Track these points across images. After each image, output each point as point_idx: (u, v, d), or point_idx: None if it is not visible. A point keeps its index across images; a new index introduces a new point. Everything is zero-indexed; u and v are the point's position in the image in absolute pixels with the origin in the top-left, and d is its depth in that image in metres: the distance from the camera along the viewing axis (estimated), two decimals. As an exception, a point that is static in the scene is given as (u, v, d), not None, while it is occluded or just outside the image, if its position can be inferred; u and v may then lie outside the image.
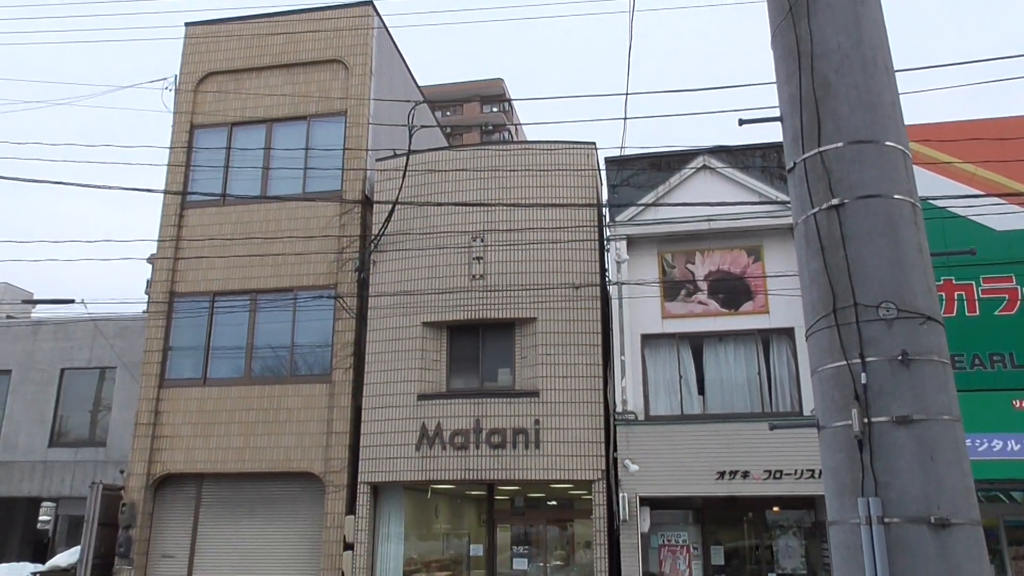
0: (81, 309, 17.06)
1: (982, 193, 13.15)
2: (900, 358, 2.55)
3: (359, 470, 14.58)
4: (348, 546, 14.17)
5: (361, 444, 14.71)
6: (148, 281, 17.08)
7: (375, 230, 15.58)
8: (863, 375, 2.59)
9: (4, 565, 16.25)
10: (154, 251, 17.11)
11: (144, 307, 17.72)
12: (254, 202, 16.46)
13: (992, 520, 13.49)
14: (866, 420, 2.56)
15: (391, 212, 15.14)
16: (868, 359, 2.60)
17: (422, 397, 14.57)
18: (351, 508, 14.48)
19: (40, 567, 15.81)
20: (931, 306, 2.66)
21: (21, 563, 16.69)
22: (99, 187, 10.14)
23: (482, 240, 15.01)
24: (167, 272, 16.61)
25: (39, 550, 20.33)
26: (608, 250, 14.73)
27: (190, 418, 15.63)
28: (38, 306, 21.07)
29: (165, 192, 16.66)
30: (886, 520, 2.49)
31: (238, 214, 16.60)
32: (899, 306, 2.60)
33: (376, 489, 14.69)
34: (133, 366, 17.22)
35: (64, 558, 15.79)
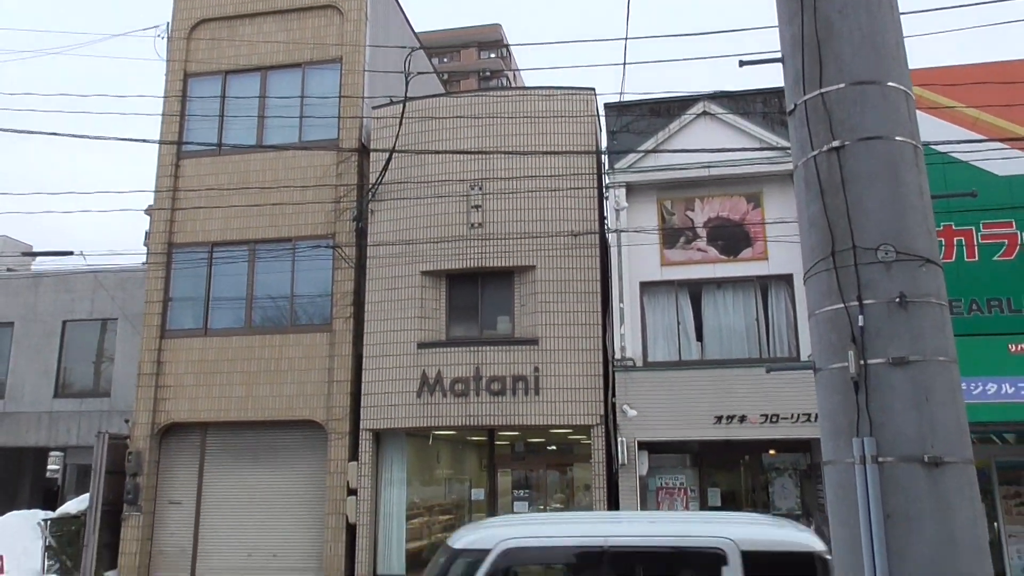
0: (80, 261, 17.06)
1: (984, 138, 13.05)
2: (898, 300, 2.57)
3: (361, 417, 14.76)
4: (352, 491, 14.43)
5: (362, 392, 14.86)
6: (146, 232, 17.01)
7: (372, 179, 15.49)
8: (860, 317, 2.60)
9: (16, 512, 16.54)
10: (151, 202, 17.04)
11: (143, 259, 17.71)
12: (250, 151, 16.34)
13: (985, 461, 13.73)
14: (862, 362, 2.58)
15: (388, 160, 15.03)
16: (866, 301, 2.61)
17: (422, 345, 14.67)
18: (354, 454, 14.70)
19: (51, 514, 16.10)
20: (930, 248, 2.66)
21: (32, 510, 16.99)
22: (94, 138, 10.06)
23: (480, 188, 14.93)
24: (165, 223, 16.56)
25: (49, 498, 20.69)
26: (607, 197, 14.67)
27: (192, 368, 15.75)
28: (38, 259, 21.03)
29: (160, 142, 16.52)
30: (880, 459, 2.53)
31: (234, 164, 16.49)
32: (898, 249, 2.61)
33: (378, 436, 14.88)
34: (134, 317, 17.30)
35: (74, 505, 16.07)
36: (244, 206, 15.97)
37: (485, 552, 5.29)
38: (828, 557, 4.88)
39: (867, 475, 2.55)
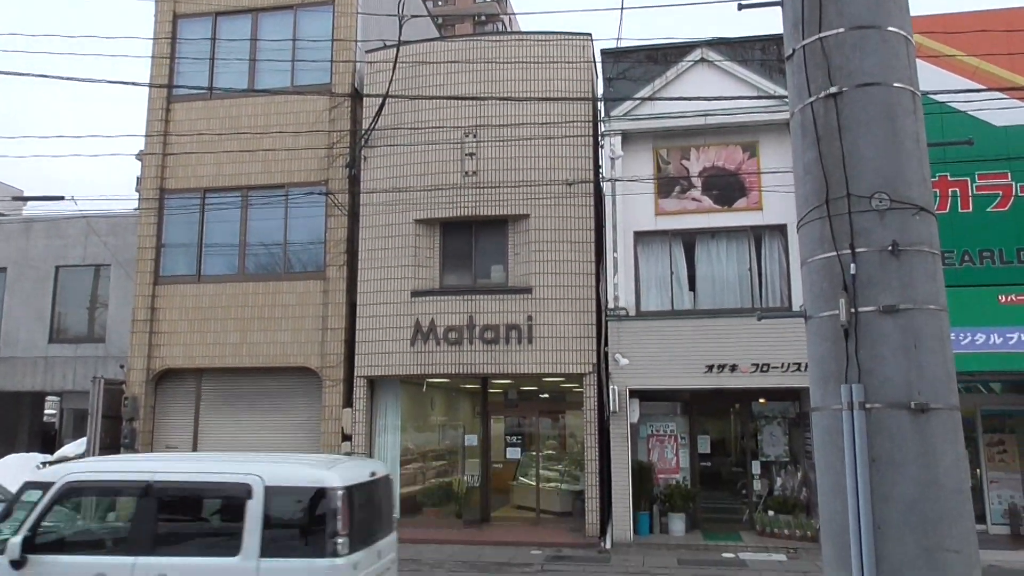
0: (72, 206, 16.91)
1: (984, 87, 12.93)
2: (890, 249, 2.57)
3: (355, 365, 14.85)
4: (346, 437, 14.60)
5: (356, 340, 14.92)
6: (138, 178, 16.84)
7: (365, 125, 15.31)
8: (852, 265, 2.61)
9: (14, 455, 16.69)
10: (143, 147, 16.84)
11: (135, 204, 17.56)
12: (242, 96, 16.09)
13: (970, 410, 13.95)
14: (853, 310, 2.59)
15: (381, 106, 14.83)
16: (858, 250, 2.61)
17: (416, 294, 14.69)
18: (348, 401, 14.83)
19: (49, 457, 16.26)
20: (925, 197, 2.65)
21: (31, 453, 17.15)
22: (82, 80, 9.89)
23: (475, 135, 14.79)
24: (156, 168, 16.40)
25: (47, 441, 20.89)
26: (602, 146, 14.55)
27: (186, 315, 15.77)
28: (29, 204, 20.86)
29: (150, 85, 16.25)
30: (867, 406, 2.56)
31: (226, 108, 16.27)
32: (892, 197, 2.60)
33: (372, 383, 15.00)
34: (127, 263, 17.24)
35: (71, 448, 16.23)
36: (236, 152, 15.80)
37: (50, 484, 6.40)
38: (336, 489, 6.03)
39: (854, 421, 2.58)
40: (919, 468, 2.49)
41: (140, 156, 16.91)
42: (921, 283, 2.58)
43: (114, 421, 15.67)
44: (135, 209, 17.28)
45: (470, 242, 15.07)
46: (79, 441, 16.20)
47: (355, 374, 14.83)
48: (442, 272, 15.08)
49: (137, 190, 16.91)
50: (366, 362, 14.78)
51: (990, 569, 11.16)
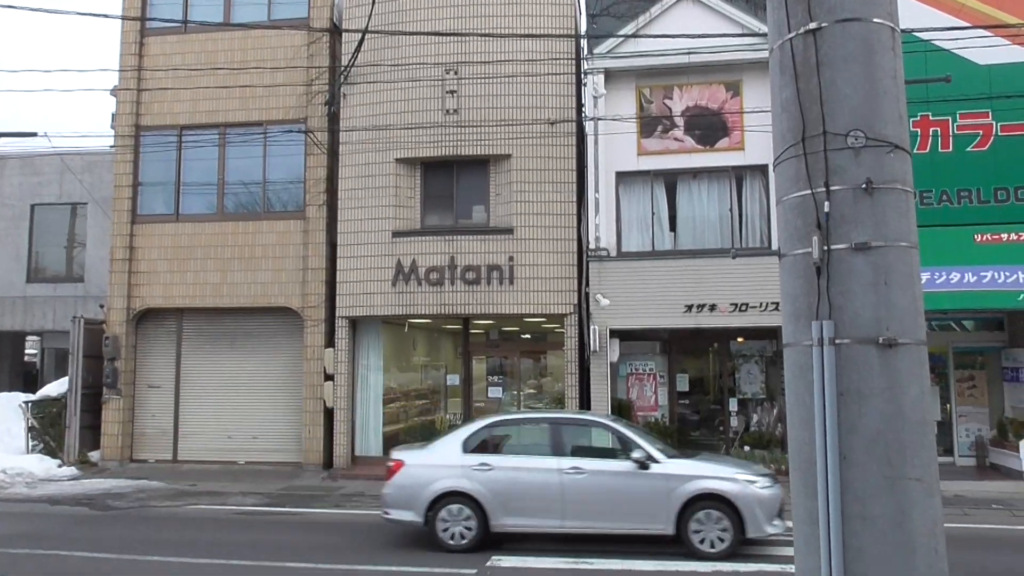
0: (45, 143, 16.58)
1: (968, 25, 12.83)
2: (864, 187, 2.59)
3: (336, 305, 14.87)
4: (328, 377, 14.69)
5: (337, 280, 14.91)
6: (113, 114, 16.46)
7: (345, 61, 15.02)
8: (827, 203, 2.63)
9: (-3, 395, 16.72)
10: (117, 83, 16.45)
11: (111, 141, 17.24)
12: (217, 30, 15.69)
13: (943, 347, 14.24)
14: (826, 247, 2.62)
15: (360, 41, 14.53)
16: (833, 188, 2.63)
17: (397, 234, 14.64)
18: (330, 341, 14.88)
19: (32, 396, 16.29)
20: (900, 134, 2.66)
21: (13, 393, 17.16)
22: (52, 12, 9.59)
23: (456, 73, 14.56)
24: (131, 104, 16.06)
25: (29, 381, 20.87)
26: (585, 84, 14.39)
27: (165, 254, 15.65)
28: (1, 141, 20.40)
29: (122, 18, 15.80)
30: (837, 341, 2.61)
31: (201, 43, 15.88)
32: (868, 134, 2.61)
33: (354, 323, 15.04)
34: (104, 201, 17.01)
35: (54, 388, 16.25)
36: (212, 88, 15.48)
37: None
38: None
39: (823, 356, 2.63)
40: (885, 401, 2.56)
41: (114, 92, 16.52)
42: (893, 220, 2.61)
43: (96, 361, 15.67)
44: (111, 146, 16.96)
45: (451, 182, 14.97)
46: (61, 381, 16.22)
47: (337, 315, 14.86)
48: (423, 212, 15.01)
49: (112, 127, 16.55)
50: (348, 303, 14.79)
51: (957, 498, 11.56)
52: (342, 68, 15.05)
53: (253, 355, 15.63)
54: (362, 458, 14.84)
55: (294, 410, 15.16)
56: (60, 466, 14.82)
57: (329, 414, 14.74)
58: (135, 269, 15.70)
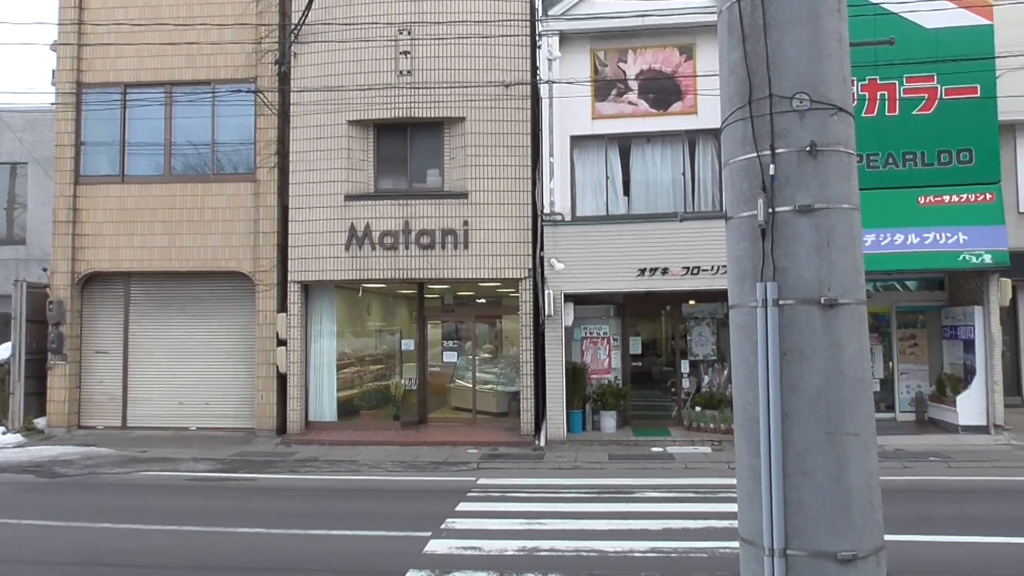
0: (-21, 101, 15.90)
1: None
2: (808, 149, 2.62)
3: (289, 269, 14.68)
4: (282, 342, 14.55)
5: (289, 244, 14.70)
6: (53, 71, 15.84)
7: (295, 19, 14.64)
8: (772, 166, 2.65)
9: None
10: (56, 37, 15.81)
11: (52, 99, 16.61)
12: (160, -15, 15.14)
13: (886, 307, 14.66)
14: (771, 210, 2.66)
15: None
16: (778, 150, 2.66)
17: (350, 197, 14.45)
18: (283, 306, 14.72)
19: (-27, 362, 15.85)
20: (843, 97, 2.70)
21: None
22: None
23: (409, 33, 14.32)
24: (72, 60, 15.47)
25: (-32, 347, 20.25)
26: (539, 47, 14.26)
27: (111, 216, 15.24)
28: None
29: (58, -29, 15.14)
30: (780, 302, 2.65)
31: (144, -3, 15.32)
32: (813, 97, 2.63)
33: (307, 288, 14.88)
34: (46, 161, 16.46)
35: (-3, 352, 15.82)
36: (158, 44, 15.00)
37: None
38: None
39: (767, 317, 2.68)
40: (825, 359, 2.62)
41: (54, 47, 15.88)
42: (836, 183, 2.65)
43: (40, 326, 15.29)
44: (52, 104, 16.35)
45: (405, 145, 14.79)
46: (4, 346, 15.78)
47: (289, 279, 14.68)
48: (377, 176, 14.83)
49: (53, 84, 15.93)
50: (300, 267, 14.61)
51: (897, 452, 12.00)
52: (292, 26, 14.68)
53: (204, 320, 15.39)
54: (316, 423, 14.79)
55: (247, 375, 15.01)
56: (4, 433, 14.50)
57: (282, 379, 14.62)
58: (80, 232, 15.27)
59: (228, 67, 15.10)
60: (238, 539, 7.85)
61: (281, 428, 14.62)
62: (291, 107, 14.83)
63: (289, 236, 14.71)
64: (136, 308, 15.59)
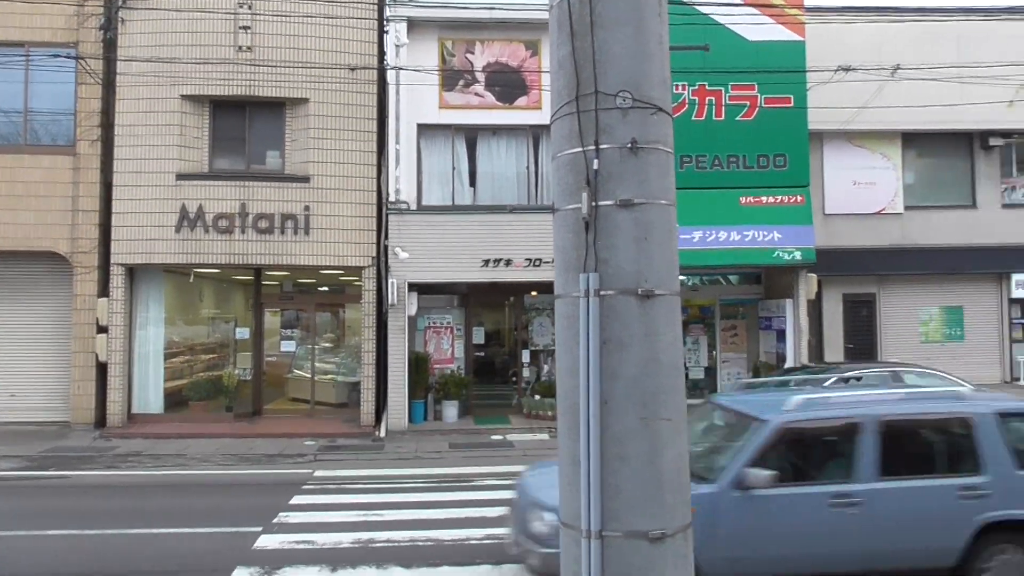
0: None
1: (741, 2, 13.88)
2: (630, 146, 2.72)
3: (112, 251, 13.70)
4: (102, 329, 13.57)
5: (113, 224, 13.72)
6: None
7: (122, -17, 13.64)
8: (596, 161, 2.74)
9: None
10: None
11: None
12: (-37, -67, 13.66)
13: (711, 299, 15.64)
14: (594, 203, 2.74)
15: (141, -36, 13.25)
16: (602, 146, 2.75)
17: (181, 177, 13.68)
18: (104, 291, 13.73)
19: None
20: (663, 97, 2.82)
21: None
22: None
23: (249, 8, 13.71)
24: None
25: None
26: (387, 32, 14.06)
27: (-101, 189, 13.61)
28: None
29: None
30: (602, 293, 2.74)
31: (-58, -54, 13.77)
32: (635, 95, 2.74)
33: (132, 272, 13.96)
34: None
35: None
36: (-42, 1, 13.52)
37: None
38: None
39: (589, 307, 2.76)
40: (642, 348, 2.74)
41: None
42: (655, 179, 2.77)
43: None
44: None
45: (244, 124, 14.16)
46: None
47: (112, 261, 13.69)
48: (212, 155, 14.11)
49: None
50: (124, 248, 13.67)
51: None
52: (119, -9, 13.66)
53: (12, 304, 14.08)
54: (140, 416, 13.91)
55: (61, 365, 13.88)
56: None
57: (103, 369, 13.63)
58: None
59: (46, 29, 13.85)
60: (48, 542, 7.25)
61: (100, 421, 13.63)
62: (117, 76, 13.81)
63: (113, 215, 13.72)
64: (-70, 291, 14.05)
